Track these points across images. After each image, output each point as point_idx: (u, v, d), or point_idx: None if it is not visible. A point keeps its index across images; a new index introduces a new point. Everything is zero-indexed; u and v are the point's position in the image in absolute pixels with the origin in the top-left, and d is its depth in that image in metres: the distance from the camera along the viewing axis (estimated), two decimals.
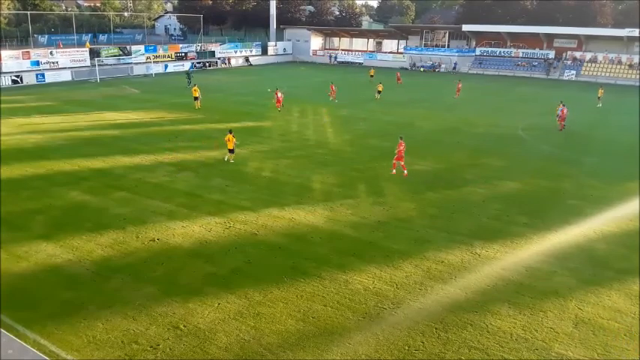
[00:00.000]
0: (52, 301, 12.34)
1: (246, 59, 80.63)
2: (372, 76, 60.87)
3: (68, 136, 29.42)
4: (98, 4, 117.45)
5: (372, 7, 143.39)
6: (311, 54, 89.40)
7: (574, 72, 68.16)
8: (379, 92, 46.37)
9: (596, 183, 22.69)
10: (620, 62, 67.14)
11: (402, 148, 22.85)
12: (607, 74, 66.23)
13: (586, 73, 67.66)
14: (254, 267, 14.30)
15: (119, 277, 13.58)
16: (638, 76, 63.67)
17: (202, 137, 29.89)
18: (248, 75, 58.71)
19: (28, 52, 57.42)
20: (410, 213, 18.60)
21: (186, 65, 69.38)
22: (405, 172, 23.07)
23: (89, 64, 60.32)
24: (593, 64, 68.43)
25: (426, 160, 25.89)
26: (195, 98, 39.51)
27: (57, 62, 58.58)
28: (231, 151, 24.46)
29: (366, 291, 13.10)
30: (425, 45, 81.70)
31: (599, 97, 44.69)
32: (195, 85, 41.90)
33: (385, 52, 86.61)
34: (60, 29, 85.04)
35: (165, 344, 10.84)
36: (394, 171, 23.43)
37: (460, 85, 50.14)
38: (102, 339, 10.96)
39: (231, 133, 24.43)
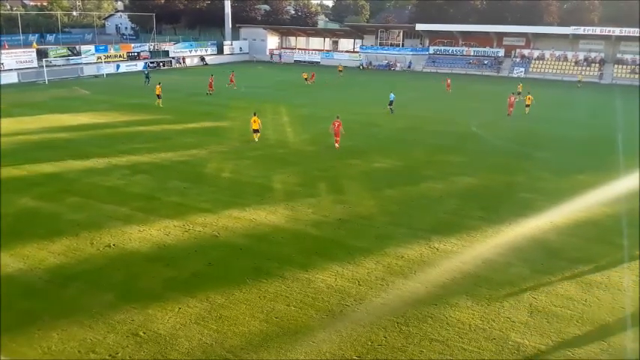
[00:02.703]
0: (3, 312, 11.81)
1: (202, 58, 79.45)
2: (340, 71, 65.54)
3: (17, 140, 28.17)
4: (45, 3, 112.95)
5: (328, 6, 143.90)
6: (267, 53, 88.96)
7: (523, 69, 70.53)
8: (305, 80, 55.70)
9: (548, 176, 23.56)
10: (566, 59, 69.96)
11: (337, 125, 27.15)
12: (554, 71, 68.93)
13: (534, 70, 70.17)
14: (215, 269, 14.13)
15: (74, 285, 13.13)
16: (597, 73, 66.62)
17: (158, 138, 29.28)
18: (204, 74, 57.73)
19: None
20: (371, 210, 18.81)
21: (139, 65, 67.82)
22: (337, 145, 27.41)
23: (37, 65, 57.99)
24: (541, 61, 71.05)
25: (387, 158, 26.24)
26: (158, 96, 39.82)
27: (2, 64, 55.96)
28: (255, 131, 28.28)
29: (329, 289, 13.17)
30: (380, 44, 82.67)
31: (519, 93, 45.21)
32: (159, 83, 42.16)
33: (342, 51, 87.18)
34: (5, 29, 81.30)
35: (125, 352, 10.57)
36: (337, 145, 27.39)
37: (449, 81, 54.23)
38: (57, 349, 10.58)
39: (255, 115, 28.42)
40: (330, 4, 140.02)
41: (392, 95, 39.51)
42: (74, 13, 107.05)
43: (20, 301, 12.32)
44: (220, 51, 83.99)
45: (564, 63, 69.72)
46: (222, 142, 28.63)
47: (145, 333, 11.19)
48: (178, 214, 17.82)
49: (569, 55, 70.03)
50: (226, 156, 25.80)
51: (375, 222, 17.67)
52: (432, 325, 11.69)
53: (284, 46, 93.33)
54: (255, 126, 28.34)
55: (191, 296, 12.64)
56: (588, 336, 11.40)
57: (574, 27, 68.25)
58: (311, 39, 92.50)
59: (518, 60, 72.61)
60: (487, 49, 75.24)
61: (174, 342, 10.91)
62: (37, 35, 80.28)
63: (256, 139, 28.46)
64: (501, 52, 74.25)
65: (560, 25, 75.90)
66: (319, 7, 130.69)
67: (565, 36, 69.73)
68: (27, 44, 68.26)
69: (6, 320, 11.51)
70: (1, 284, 13.04)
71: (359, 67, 78.51)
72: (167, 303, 12.32)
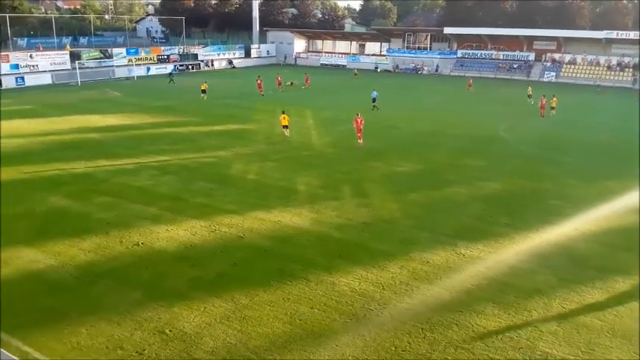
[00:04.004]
0: (34, 307, 12.15)
1: (230, 62, 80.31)
2: (355, 74, 65.62)
3: (48, 140, 28.99)
4: (78, 7, 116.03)
5: (355, 9, 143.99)
6: (294, 56, 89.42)
7: (554, 73, 69.19)
8: (279, 85, 52.07)
9: (575, 182, 23.06)
10: (598, 64, 68.35)
11: (360, 121, 28.57)
12: (586, 76, 67.36)
13: (565, 74, 68.73)
14: (240, 270, 14.25)
15: (103, 282, 13.43)
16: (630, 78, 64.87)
17: (185, 140, 29.71)
18: (231, 77, 58.53)
19: (7, 55, 56.38)
20: (394, 214, 18.70)
21: (168, 68, 69.10)
22: (361, 141, 28.70)
23: (70, 67, 59.53)
24: (573, 66, 69.55)
25: (409, 161, 26.07)
26: (203, 91, 44.86)
27: (37, 65, 57.66)
28: (285, 127, 30.34)
29: (353, 292, 13.14)
30: (407, 47, 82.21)
31: (529, 95, 46.54)
32: (205, 81, 46.31)
33: (368, 55, 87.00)
34: (39, 32, 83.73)
35: (151, 349, 10.75)
36: (360, 141, 28.77)
37: (471, 81, 57.61)
38: (86, 345, 10.82)
39: (284, 112, 30.69)
40: (358, 7, 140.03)
41: (374, 93, 41.62)
42: (106, 17, 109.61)
43: (50, 297, 12.65)
44: (248, 54, 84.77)
45: (596, 68, 68.12)
46: (247, 145, 28.89)
47: (170, 331, 11.36)
48: (204, 215, 18.04)
49: (602, 59, 68.36)
50: (251, 158, 26.02)
51: (399, 226, 17.56)
52: (457, 332, 11.54)
53: (311, 49, 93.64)
54: (284, 122, 30.33)
55: (216, 296, 12.78)
56: (619, 347, 11.09)
57: (607, 31, 66.63)
58: (337, 42, 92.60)
59: (549, 64, 71.24)
60: (517, 52, 74.03)
61: (199, 341, 11.05)
62: (70, 38, 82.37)
63: (287, 134, 30.39)
64: (531, 56, 72.96)
65: (592, 28, 74.21)
66: (346, 11, 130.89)
67: (597, 40, 68.08)
68: (61, 47, 70.10)
69: (36, 316, 11.82)
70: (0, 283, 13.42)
71: (374, 69, 78.60)
72: (193, 302, 12.49)
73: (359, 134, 28.81)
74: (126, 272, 14.00)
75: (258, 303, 12.54)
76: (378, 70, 78.61)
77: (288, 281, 13.60)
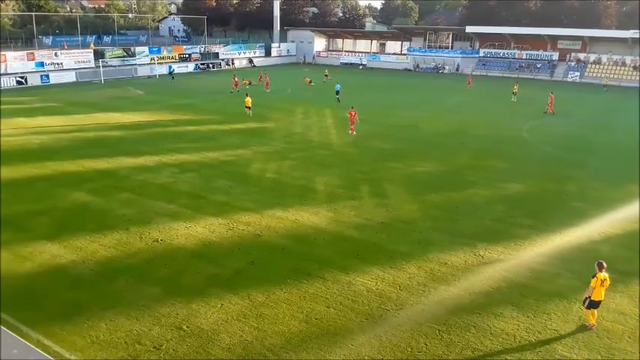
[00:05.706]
0: (55, 301, 12.39)
1: (250, 60, 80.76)
2: (326, 75, 61.95)
3: (72, 137, 29.52)
4: (102, 6, 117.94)
5: (376, 8, 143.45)
6: (315, 55, 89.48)
7: (578, 73, 67.96)
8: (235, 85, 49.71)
9: (599, 185, 22.61)
10: (624, 64, 66.90)
11: (353, 115, 31.07)
12: (611, 76, 65.99)
13: (590, 74, 67.43)
14: (257, 268, 14.31)
15: (123, 277, 13.61)
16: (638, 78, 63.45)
17: (205, 138, 29.97)
18: (251, 76, 58.68)
19: (33, 53, 57.63)
20: (413, 215, 18.58)
21: (190, 66, 69.80)
22: (354, 132, 31.18)
23: (93, 66, 60.57)
24: (597, 66, 68.20)
25: (429, 162, 25.86)
26: (250, 83, 51.35)
27: (61, 63, 58.83)
28: (248, 108, 36.57)
29: (369, 292, 13.09)
30: (428, 46, 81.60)
31: (514, 93, 47.88)
32: (257, 68, 50.64)
33: (389, 54, 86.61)
34: (64, 30, 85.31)
35: (169, 345, 10.86)
36: (349, 132, 31.37)
37: (470, 79, 58.69)
38: (105, 339, 10.99)
39: (247, 95, 37.28)
40: (379, 6, 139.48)
41: (338, 86, 45.21)
42: (130, 16, 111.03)
43: (71, 292, 12.88)
44: (268, 53, 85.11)
45: (622, 68, 66.68)
46: (266, 143, 29.00)
47: (188, 327, 11.47)
48: (223, 213, 18.17)
49: (628, 59, 66.87)
50: (270, 157, 26.11)
51: (418, 227, 17.44)
52: (474, 335, 11.42)
53: (331, 48, 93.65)
54: (248, 104, 36.48)
55: (233, 293, 12.86)
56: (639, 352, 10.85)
57: (633, 30, 65.17)
58: (358, 41, 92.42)
59: (573, 64, 69.98)
60: (540, 52, 72.89)
61: (215, 337, 11.13)
62: (94, 36, 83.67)
63: (249, 114, 36.31)
64: (555, 56, 71.75)
65: (618, 28, 72.66)
66: (367, 10, 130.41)
67: (624, 40, 66.60)
68: (85, 45, 71.34)
69: (57, 310, 12.05)
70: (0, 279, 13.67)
71: (359, 66, 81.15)
72: (210, 299, 12.59)
73: (352, 126, 31.32)
74: (145, 268, 14.18)
75: (274, 301, 12.59)
76: (361, 67, 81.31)
77: (304, 280, 13.61)
